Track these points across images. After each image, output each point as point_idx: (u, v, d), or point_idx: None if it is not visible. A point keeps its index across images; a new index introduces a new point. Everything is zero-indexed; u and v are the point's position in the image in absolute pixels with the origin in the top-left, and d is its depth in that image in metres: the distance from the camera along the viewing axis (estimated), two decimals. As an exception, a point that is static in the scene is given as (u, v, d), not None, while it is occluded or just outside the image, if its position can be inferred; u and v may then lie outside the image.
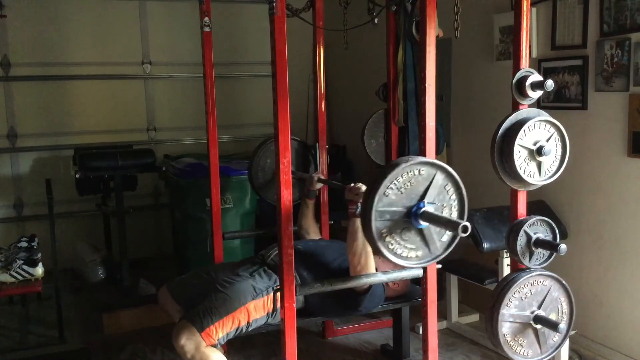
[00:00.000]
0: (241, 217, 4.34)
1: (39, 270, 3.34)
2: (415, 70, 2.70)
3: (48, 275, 3.41)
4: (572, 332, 2.69)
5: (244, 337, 2.72)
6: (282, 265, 2.06)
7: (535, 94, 2.04)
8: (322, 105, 3.46)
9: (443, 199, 1.80)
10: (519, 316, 2.07)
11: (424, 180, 1.76)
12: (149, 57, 5.23)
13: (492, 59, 3.75)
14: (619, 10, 2.95)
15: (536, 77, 2.02)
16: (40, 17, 4.86)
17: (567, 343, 2.77)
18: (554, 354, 2.16)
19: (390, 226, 1.74)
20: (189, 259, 4.37)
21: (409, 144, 2.87)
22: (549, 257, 2.10)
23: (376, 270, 2.56)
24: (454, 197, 1.82)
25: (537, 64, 3.42)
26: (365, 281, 2.44)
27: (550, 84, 1.98)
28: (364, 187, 2.47)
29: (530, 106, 2.07)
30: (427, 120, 2.16)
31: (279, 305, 2.17)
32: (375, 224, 1.71)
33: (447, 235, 1.83)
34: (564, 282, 2.11)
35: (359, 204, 2.43)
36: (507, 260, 3.16)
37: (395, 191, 1.73)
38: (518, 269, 2.11)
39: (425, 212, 1.74)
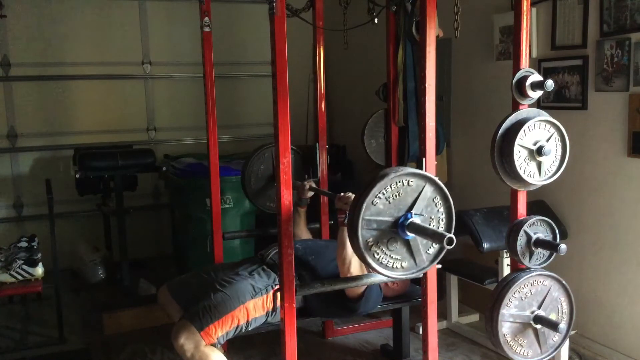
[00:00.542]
0: (241, 217, 4.34)
1: (39, 270, 3.34)
2: (415, 70, 2.70)
3: (48, 275, 3.41)
4: (572, 332, 2.69)
5: (243, 337, 2.73)
6: (282, 265, 2.06)
7: (535, 94, 2.04)
8: (322, 105, 3.45)
9: (431, 212, 1.81)
10: (519, 316, 2.07)
11: (413, 192, 1.77)
12: (149, 57, 5.23)
13: (492, 59, 3.75)
14: (619, 10, 2.95)
15: (536, 77, 2.02)
16: (40, 17, 4.86)
17: (567, 343, 2.77)
18: (554, 354, 2.16)
19: (377, 235, 1.74)
20: (189, 259, 4.37)
21: (409, 144, 2.86)
22: (549, 257, 2.10)
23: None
24: (442, 210, 1.82)
25: (537, 64, 3.42)
26: (364, 282, 2.44)
27: (550, 84, 1.98)
28: (353, 196, 2.49)
29: (530, 106, 2.07)
30: (427, 120, 2.15)
31: (279, 304, 2.17)
32: (362, 232, 1.71)
33: (433, 247, 1.83)
34: (564, 282, 2.11)
35: (347, 213, 2.45)
36: (507, 260, 3.16)
37: (383, 201, 1.73)
38: (518, 269, 2.11)
39: (412, 223, 1.74)
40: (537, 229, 2.09)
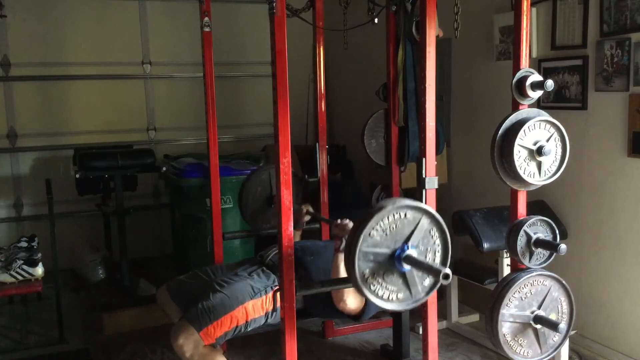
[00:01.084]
0: (241, 217, 4.33)
1: (39, 270, 3.34)
2: (415, 70, 2.70)
3: (48, 275, 3.41)
4: (572, 332, 2.69)
5: (244, 337, 2.73)
6: (281, 265, 2.05)
7: (535, 94, 2.03)
8: (322, 105, 3.45)
9: (427, 243, 1.81)
10: (519, 316, 2.07)
11: (410, 224, 1.77)
12: (149, 57, 5.23)
13: (492, 59, 3.75)
14: (619, 10, 2.95)
15: (536, 77, 2.02)
16: (40, 17, 4.86)
17: (567, 343, 2.77)
18: (554, 354, 2.16)
19: (374, 267, 1.75)
20: (189, 259, 4.37)
21: (409, 144, 2.86)
22: (549, 257, 2.10)
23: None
24: (438, 242, 1.82)
25: (537, 64, 3.42)
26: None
27: (550, 84, 1.98)
28: (350, 224, 2.51)
29: (530, 106, 2.07)
30: (427, 120, 2.15)
31: (279, 304, 2.17)
32: (359, 264, 1.72)
33: (429, 279, 1.83)
34: (564, 282, 2.11)
35: (344, 240, 2.47)
36: (507, 260, 3.16)
37: (380, 232, 1.74)
38: (518, 269, 2.11)
39: (408, 256, 1.75)
40: (537, 229, 2.09)
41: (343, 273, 2.48)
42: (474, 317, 3.75)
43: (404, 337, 3.18)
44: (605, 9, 3.02)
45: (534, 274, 2.07)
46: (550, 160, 2.04)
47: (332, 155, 4.39)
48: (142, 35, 5.20)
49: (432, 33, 2.12)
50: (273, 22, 1.94)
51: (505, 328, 2.06)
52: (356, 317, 2.69)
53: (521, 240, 2.07)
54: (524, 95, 2.03)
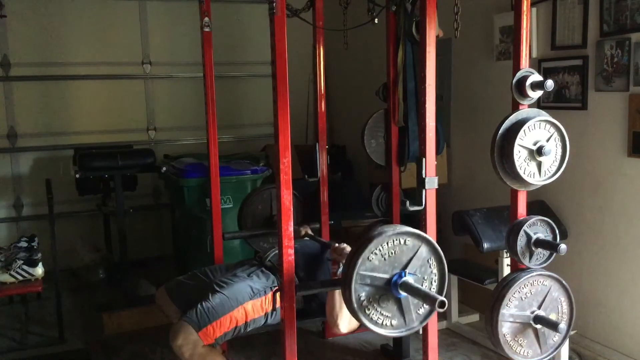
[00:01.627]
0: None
1: (39, 270, 3.34)
2: (415, 70, 2.70)
3: (48, 275, 3.41)
4: (572, 332, 2.69)
5: (243, 337, 2.73)
6: (281, 265, 2.05)
7: (535, 94, 2.03)
8: (322, 105, 3.45)
9: (424, 272, 1.82)
10: (519, 316, 2.07)
11: (409, 251, 1.78)
12: (149, 57, 5.23)
13: (492, 59, 3.75)
14: (619, 10, 2.95)
15: (536, 77, 2.02)
16: (40, 17, 4.86)
17: (567, 343, 2.77)
18: (554, 354, 2.16)
19: (370, 291, 1.76)
20: (189, 259, 4.36)
21: (409, 144, 2.86)
22: (549, 257, 2.10)
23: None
24: (435, 271, 1.84)
25: (537, 64, 3.42)
26: None
27: (550, 84, 1.98)
28: (348, 248, 2.52)
29: (530, 106, 2.07)
30: (427, 120, 2.15)
31: (278, 304, 2.18)
32: (356, 286, 1.73)
33: (424, 308, 1.84)
34: (564, 282, 2.11)
35: (342, 264, 2.47)
36: (507, 260, 3.16)
37: (379, 257, 1.75)
38: (518, 269, 2.11)
39: (405, 282, 1.75)
40: (537, 229, 2.09)
41: (338, 300, 2.49)
42: (474, 317, 3.75)
43: (404, 337, 3.18)
44: (605, 9, 3.02)
45: (534, 274, 2.07)
46: (550, 160, 2.04)
47: (332, 155, 4.39)
48: (142, 35, 5.19)
49: (432, 33, 2.12)
50: (273, 22, 1.94)
51: (505, 328, 2.06)
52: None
53: (521, 240, 2.07)
54: (524, 95, 2.03)
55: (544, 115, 2.03)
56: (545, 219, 2.10)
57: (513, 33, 2.11)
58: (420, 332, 2.22)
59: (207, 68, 3.23)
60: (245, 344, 3.38)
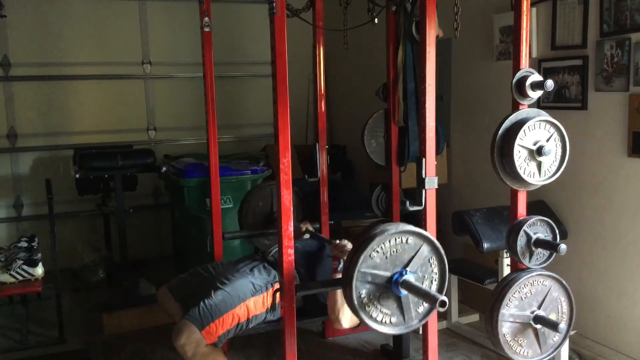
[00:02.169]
0: (241, 217, 4.33)
1: (39, 270, 3.34)
2: (415, 70, 2.70)
3: (48, 275, 3.41)
4: (572, 332, 2.69)
5: (244, 337, 2.73)
6: (282, 265, 2.06)
7: (535, 94, 2.03)
8: (322, 105, 3.45)
9: (425, 271, 1.82)
10: (519, 316, 2.07)
11: (410, 249, 1.78)
12: (149, 57, 5.23)
13: (492, 59, 3.75)
14: (619, 10, 2.95)
15: (536, 77, 2.02)
16: (40, 17, 4.86)
17: (567, 343, 2.77)
18: (554, 354, 2.16)
19: (371, 289, 1.76)
20: (189, 259, 4.36)
21: (409, 144, 2.86)
22: (549, 257, 2.10)
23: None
24: (436, 270, 1.84)
25: (537, 64, 3.42)
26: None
27: (550, 84, 1.98)
28: (349, 245, 2.52)
29: (530, 106, 2.07)
30: (427, 120, 2.15)
31: (278, 301, 2.18)
32: (356, 283, 1.73)
33: (423, 307, 1.84)
34: (564, 282, 2.11)
35: (342, 261, 2.47)
36: (507, 260, 3.16)
37: (380, 255, 1.75)
38: (518, 269, 2.11)
39: (406, 281, 1.75)
40: (537, 229, 2.09)
41: (340, 297, 2.49)
42: (474, 317, 3.75)
43: (404, 337, 3.18)
44: (605, 9, 3.02)
45: (534, 274, 2.07)
46: (550, 160, 2.04)
47: (332, 155, 4.39)
48: (142, 35, 5.19)
49: (432, 33, 2.12)
50: (273, 22, 1.94)
51: (505, 328, 2.06)
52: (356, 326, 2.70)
53: (521, 240, 2.07)
54: (524, 95, 2.03)
55: (544, 115, 2.03)
56: (545, 219, 2.10)
57: (513, 33, 2.11)
58: (420, 332, 2.22)
59: (207, 68, 3.23)
60: (245, 343, 3.38)
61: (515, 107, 2.06)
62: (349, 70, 5.37)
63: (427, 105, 2.14)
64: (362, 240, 1.75)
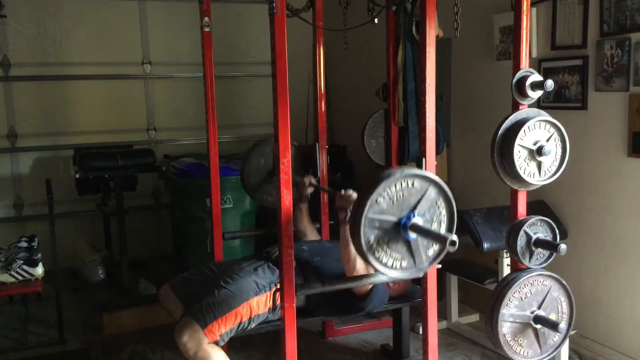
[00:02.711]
0: (241, 217, 4.34)
1: (39, 270, 3.34)
2: (415, 70, 2.70)
3: (48, 275, 3.41)
4: (572, 332, 2.70)
5: (244, 336, 2.72)
6: (282, 265, 2.06)
7: (535, 94, 2.03)
8: (322, 105, 3.45)
9: (433, 213, 1.80)
10: (519, 316, 2.07)
11: (417, 193, 1.77)
12: (149, 57, 5.23)
13: (492, 59, 3.75)
14: (619, 10, 2.95)
15: (536, 77, 2.02)
16: (40, 17, 4.86)
17: (567, 343, 2.77)
18: (554, 354, 2.16)
19: (379, 234, 1.74)
20: (189, 259, 4.37)
21: (409, 144, 2.86)
22: (549, 257, 2.10)
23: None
24: (444, 212, 1.82)
25: (537, 64, 3.42)
26: (365, 282, 2.44)
27: (550, 84, 1.98)
28: (354, 195, 2.50)
29: (530, 106, 2.07)
30: (427, 120, 2.15)
31: (278, 302, 2.18)
32: (365, 230, 1.71)
33: (433, 249, 1.83)
34: (564, 282, 2.11)
35: (349, 211, 2.45)
36: (507, 260, 3.16)
37: (387, 200, 1.73)
38: (518, 269, 2.11)
39: (414, 224, 1.74)
40: (537, 229, 2.09)
41: (351, 244, 2.46)
42: (474, 317, 3.75)
43: (404, 337, 3.18)
44: (605, 9, 3.02)
45: (534, 274, 2.07)
46: (550, 160, 2.04)
47: (332, 155, 4.39)
48: (142, 35, 5.20)
49: (432, 33, 2.12)
50: (273, 22, 1.94)
51: (505, 328, 2.06)
52: (361, 300, 2.66)
53: (521, 240, 2.07)
54: (524, 95, 2.03)
55: (544, 115, 2.03)
56: (545, 219, 2.10)
57: (513, 33, 2.11)
58: (421, 332, 2.22)
59: (207, 68, 3.23)
60: (245, 343, 3.38)
61: (515, 107, 2.06)
62: (349, 70, 5.36)
63: (427, 105, 2.14)
64: (368, 187, 1.73)
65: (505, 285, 2.06)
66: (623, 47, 2.94)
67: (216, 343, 2.50)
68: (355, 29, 3.13)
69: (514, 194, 2.12)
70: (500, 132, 2.01)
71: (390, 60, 3.00)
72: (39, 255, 3.41)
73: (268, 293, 2.60)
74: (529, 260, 2.09)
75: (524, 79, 2.02)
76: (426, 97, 2.14)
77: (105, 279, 4.61)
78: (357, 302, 2.68)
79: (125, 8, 5.12)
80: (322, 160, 3.43)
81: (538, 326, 2.09)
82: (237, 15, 5.48)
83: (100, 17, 5.05)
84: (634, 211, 3.00)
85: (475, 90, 3.97)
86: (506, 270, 3.14)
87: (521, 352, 2.09)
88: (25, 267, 3.30)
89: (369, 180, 1.76)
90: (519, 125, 1.99)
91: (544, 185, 2.08)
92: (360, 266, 2.52)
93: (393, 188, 1.73)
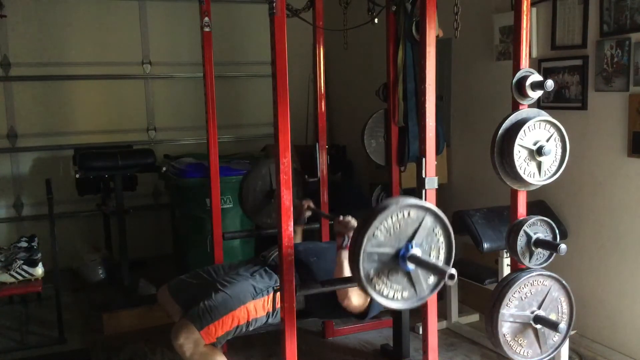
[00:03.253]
0: (241, 217, 4.33)
1: (39, 270, 3.34)
2: (415, 70, 2.70)
3: (48, 275, 3.41)
4: (572, 332, 2.69)
5: (244, 337, 2.73)
6: (282, 265, 2.06)
7: (535, 94, 2.03)
8: (322, 105, 3.45)
9: (431, 242, 1.80)
10: (519, 316, 2.07)
11: (413, 223, 1.76)
12: (149, 57, 5.23)
13: (492, 59, 3.75)
14: (619, 10, 2.95)
15: (536, 77, 2.02)
16: (40, 17, 4.86)
17: (567, 343, 2.77)
18: (554, 354, 2.16)
19: (378, 267, 1.74)
20: (189, 259, 4.37)
21: (409, 144, 2.86)
22: (549, 257, 2.10)
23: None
24: (442, 240, 1.82)
25: (537, 64, 3.42)
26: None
27: (550, 84, 1.98)
28: (353, 221, 2.51)
29: (530, 106, 2.07)
30: (427, 120, 2.15)
31: (278, 305, 2.17)
32: (364, 265, 1.72)
33: (433, 277, 1.83)
34: (564, 282, 2.11)
35: (347, 237, 2.46)
36: (507, 260, 3.16)
37: (384, 232, 1.73)
38: (518, 269, 2.11)
39: (413, 255, 1.74)
40: (537, 229, 2.09)
41: (347, 271, 2.47)
42: (474, 317, 3.75)
43: (404, 337, 3.18)
44: (605, 9, 3.02)
45: (534, 274, 2.07)
46: (550, 160, 2.04)
47: (332, 155, 4.38)
48: (142, 35, 5.20)
49: (432, 33, 2.12)
50: (273, 22, 1.94)
51: (505, 328, 2.06)
52: (360, 315, 2.69)
53: (521, 240, 2.07)
54: (524, 95, 2.03)
55: (544, 115, 2.03)
56: (545, 219, 2.10)
57: (513, 33, 2.11)
58: (421, 332, 2.22)
59: (207, 68, 3.23)
60: (245, 343, 3.38)
61: (515, 107, 2.06)
62: (349, 70, 5.37)
63: (427, 105, 2.14)
64: (364, 220, 1.73)
65: (505, 285, 2.06)
66: (623, 47, 2.94)
67: (213, 344, 2.50)
68: (355, 29, 3.13)
69: (514, 194, 2.12)
70: (500, 132, 2.01)
71: (390, 60, 3.00)
72: (39, 255, 3.41)
73: (266, 297, 2.61)
74: (529, 260, 2.09)
75: (524, 79, 2.02)
76: (426, 97, 2.14)
77: (105, 279, 4.61)
78: (356, 318, 2.71)
79: (125, 8, 5.13)
80: (322, 160, 3.43)
81: (538, 326, 2.09)
82: (237, 15, 5.48)
83: (100, 17, 5.05)
84: (634, 211, 3.00)
85: (475, 90, 3.97)
86: (506, 270, 3.14)
87: (521, 352, 2.09)
88: (25, 267, 3.30)
89: (366, 213, 1.77)
90: (519, 125, 1.99)
91: (544, 185, 2.08)
92: (352, 294, 2.54)
93: (389, 220, 1.73)
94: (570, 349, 3.06)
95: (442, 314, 3.40)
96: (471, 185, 4.03)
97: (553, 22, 3.34)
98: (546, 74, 3.36)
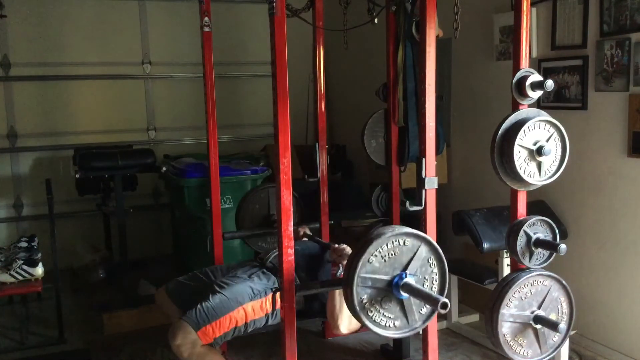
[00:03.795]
0: (241, 217, 4.33)
1: (39, 270, 3.34)
2: (415, 70, 2.70)
3: (48, 275, 3.41)
4: (572, 332, 2.69)
5: (243, 337, 2.73)
6: (281, 265, 2.05)
7: (535, 94, 2.03)
8: (322, 105, 3.45)
9: (425, 272, 1.81)
10: (519, 316, 2.07)
11: (408, 251, 1.78)
12: (149, 57, 5.23)
13: (492, 59, 3.75)
14: (619, 10, 2.95)
15: (536, 77, 2.02)
16: (40, 17, 4.86)
17: (567, 343, 2.77)
18: (554, 354, 2.16)
19: (372, 294, 1.75)
20: (189, 259, 4.36)
21: (409, 144, 2.86)
22: (549, 257, 2.10)
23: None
24: (436, 270, 1.83)
25: (537, 64, 3.42)
26: None
27: (550, 84, 1.98)
28: (348, 249, 2.52)
29: (530, 106, 2.07)
30: (427, 120, 2.15)
31: (278, 305, 2.17)
32: (357, 290, 1.72)
33: (426, 307, 1.83)
34: (564, 282, 2.11)
35: (341, 266, 2.47)
36: (507, 260, 3.16)
37: (379, 259, 1.74)
38: (518, 269, 2.11)
39: (406, 283, 1.75)
40: (537, 229, 2.09)
41: (339, 300, 2.48)
42: (474, 317, 3.75)
43: (404, 337, 3.17)
44: (605, 9, 3.02)
45: (534, 274, 2.07)
46: (550, 160, 2.04)
47: (332, 155, 4.39)
48: (142, 35, 5.19)
49: (432, 33, 2.12)
50: (273, 22, 1.93)
51: (505, 328, 2.06)
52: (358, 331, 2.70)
53: (521, 240, 2.07)
54: (524, 95, 2.03)
55: (544, 115, 2.03)
56: (545, 219, 2.10)
57: (513, 33, 2.11)
58: (421, 332, 2.22)
59: (207, 68, 3.23)
60: (245, 344, 3.38)
61: (515, 107, 2.06)
62: (349, 70, 5.36)
63: (427, 105, 2.14)
64: (360, 246, 1.75)
65: (505, 285, 2.06)
66: (623, 47, 2.94)
67: (211, 346, 2.50)
68: (355, 29, 3.13)
69: (514, 194, 2.12)
70: (500, 132, 2.01)
71: (390, 60, 3.00)
72: (39, 255, 3.41)
73: (264, 298, 2.61)
74: (529, 260, 2.09)
75: (524, 79, 2.02)
76: (426, 97, 2.14)
77: (105, 279, 4.60)
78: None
79: (125, 8, 5.12)
80: (322, 160, 3.43)
81: (538, 326, 2.09)
82: (237, 15, 5.48)
83: (100, 17, 5.05)
84: (634, 211, 3.00)
85: (475, 90, 3.97)
86: (506, 270, 3.14)
87: (521, 352, 2.09)
88: (25, 267, 3.30)
89: (362, 238, 1.78)
90: (519, 125, 1.99)
91: (544, 185, 2.08)
92: (342, 322, 2.55)
93: (385, 247, 1.74)
94: (570, 349, 3.06)
95: (442, 314, 3.40)
96: (471, 185, 4.03)
97: (553, 22, 3.34)
98: (546, 74, 3.36)
